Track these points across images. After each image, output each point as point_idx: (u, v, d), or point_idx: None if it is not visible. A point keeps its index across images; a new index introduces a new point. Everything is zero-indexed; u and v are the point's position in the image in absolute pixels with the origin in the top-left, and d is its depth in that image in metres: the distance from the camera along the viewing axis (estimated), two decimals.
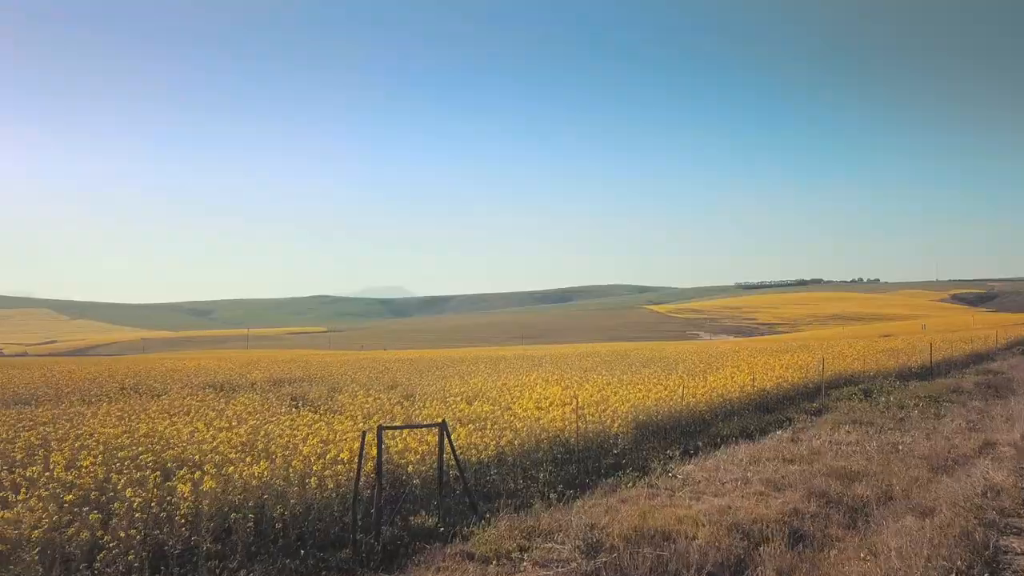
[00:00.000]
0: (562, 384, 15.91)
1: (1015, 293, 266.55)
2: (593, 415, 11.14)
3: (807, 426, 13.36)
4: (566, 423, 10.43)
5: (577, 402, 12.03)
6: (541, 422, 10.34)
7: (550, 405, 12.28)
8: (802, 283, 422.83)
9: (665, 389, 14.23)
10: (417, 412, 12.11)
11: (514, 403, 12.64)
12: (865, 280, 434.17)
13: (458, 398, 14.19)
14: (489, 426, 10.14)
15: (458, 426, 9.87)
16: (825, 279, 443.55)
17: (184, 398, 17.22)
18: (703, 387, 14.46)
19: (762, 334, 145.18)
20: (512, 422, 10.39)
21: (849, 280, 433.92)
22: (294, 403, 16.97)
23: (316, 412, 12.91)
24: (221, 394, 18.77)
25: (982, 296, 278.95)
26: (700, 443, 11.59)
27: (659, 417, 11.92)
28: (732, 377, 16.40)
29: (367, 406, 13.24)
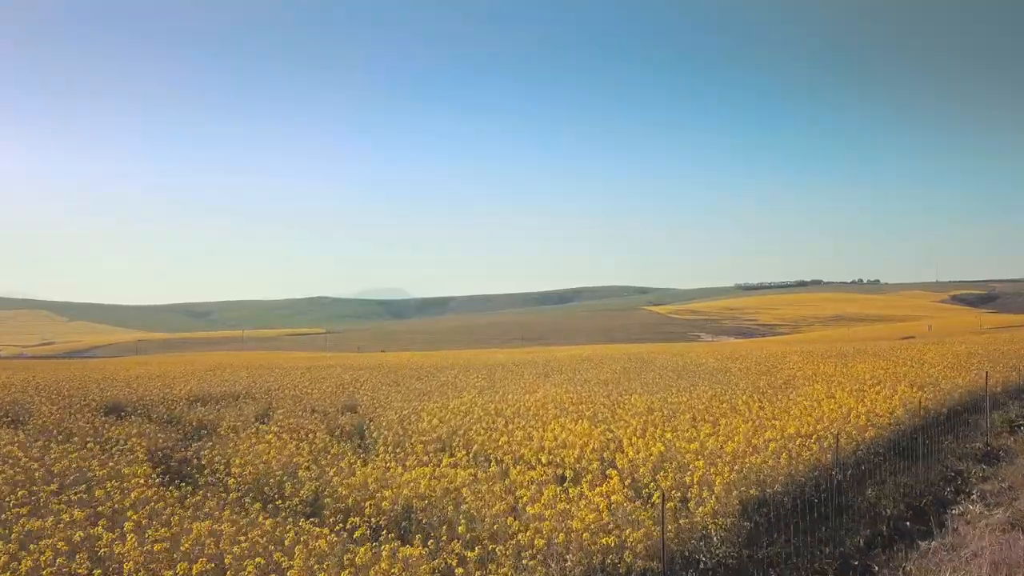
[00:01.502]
0: (586, 411, 10.57)
1: (1016, 294, 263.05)
2: (667, 489, 5.86)
3: (1002, 489, 8.07)
4: (619, 523, 5.12)
5: (629, 461, 6.76)
6: (573, 524, 4.98)
7: (576, 462, 7.01)
8: (802, 284, 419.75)
9: (747, 423, 8.97)
10: (340, 479, 6.78)
11: (515, 459, 7.37)
12: (865, 281, 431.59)
13: (427, 438, 8.91)
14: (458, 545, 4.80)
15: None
16: (825, 280, 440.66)
17: (37, 430, 12.02)
18: (804, 420, 9.17)
19: (763, 335, 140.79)
20: (513, 528, 5.02)
21: (849, 281, 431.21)
22: (192, 436, 11.79)
23: (167, 478, 7.59)
24: (107, 419, 13.52)
25: (983, 297, 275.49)
26: (860, 539, 6.31)
27: (775, 487, 6.62)
28: (833, 398, 11.11)
29: (270, 457, 7.94)
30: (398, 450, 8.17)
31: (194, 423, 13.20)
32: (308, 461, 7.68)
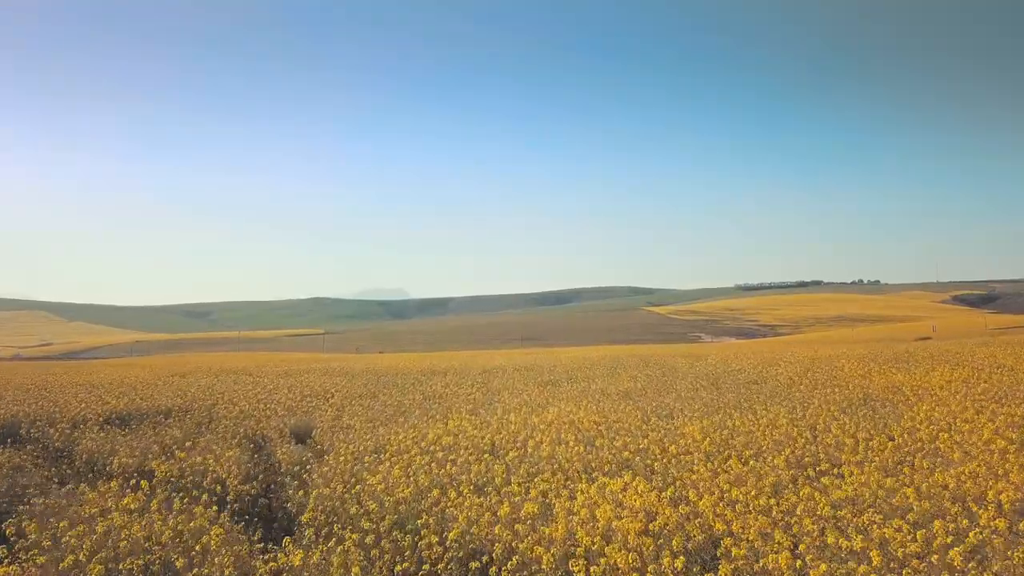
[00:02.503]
0: (623, 448, 7.14)
1: (1016, 294, 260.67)
2: None
3: None
4: None
5: None
6: None
7: None
8: (802, 284, 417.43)
9: (905, 484, 5.59)
10: None
11: (524, 565, 3.98)
12: (866, 281, 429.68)
13: (379, 505, 5.50)
14: None
15: None
16: (825, 280, 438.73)
17: None
18: (996, 471, 5.78)
19: (764, 335, 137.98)
20: None
21: (850, 281, 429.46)
22: (78, 475, 8.50)
23: None
24: None
25: (983, 297, 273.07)
26: None
27: None
28: (966, 423, 7.72)
29: (94, 543, 4.49)
30: (324, 536, 4.76)
31: (84, 456, 9.80)
32: (153, 563, 4.26)
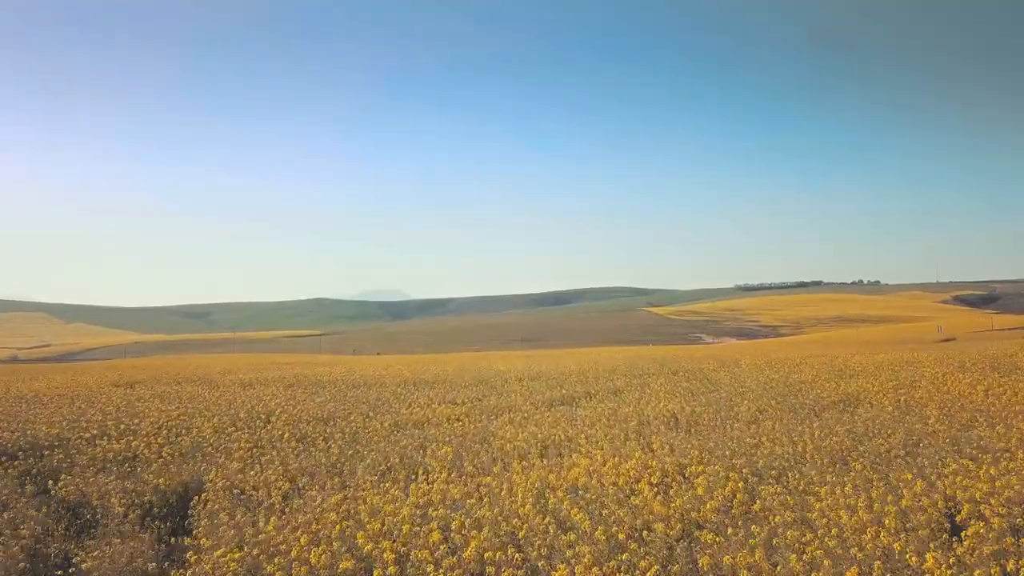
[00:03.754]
0: None
1: (1017, 295, 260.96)
2: None
3: None
4: None
5: None
6: None
7: None
8: (802, 285, 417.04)
9: None
10: None
11: None
12: (866, 281, 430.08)
13: None
14: None
15: None
16: (825, 280, 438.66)
17: None
18: None
19: (765, 336, 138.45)
20: None
21: (850, 282, 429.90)
22: None
23: None
24: None
25: (984, 297, 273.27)
26: None
27: None
28: None
29: None
30: None
31: None
32: None
